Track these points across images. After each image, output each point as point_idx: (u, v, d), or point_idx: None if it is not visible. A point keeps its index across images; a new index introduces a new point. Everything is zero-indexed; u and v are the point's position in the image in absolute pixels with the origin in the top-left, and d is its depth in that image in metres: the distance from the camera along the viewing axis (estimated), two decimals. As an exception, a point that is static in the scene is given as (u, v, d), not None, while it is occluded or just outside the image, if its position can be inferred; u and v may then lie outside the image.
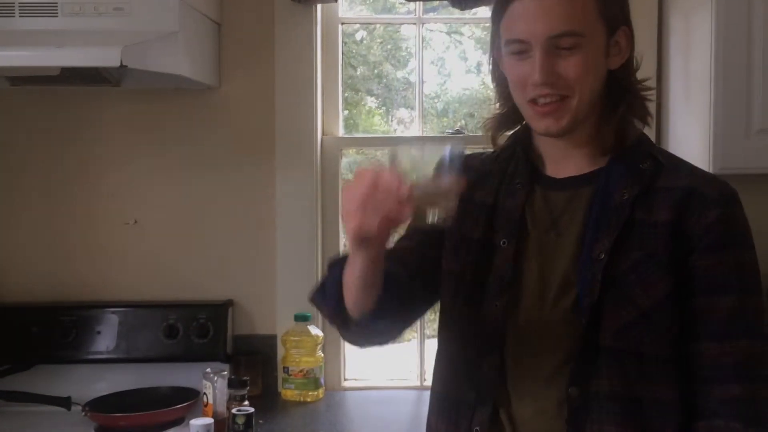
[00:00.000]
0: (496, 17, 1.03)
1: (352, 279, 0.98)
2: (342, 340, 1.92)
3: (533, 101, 1.00)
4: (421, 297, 1.11)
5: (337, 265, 1.03)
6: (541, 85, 0.97)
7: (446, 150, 0.89)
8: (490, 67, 1.11)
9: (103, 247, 1.87)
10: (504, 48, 1.02)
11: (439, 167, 0.90)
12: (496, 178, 1.10)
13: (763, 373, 0.99)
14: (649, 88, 1.07)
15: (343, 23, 1.97)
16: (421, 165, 0.90)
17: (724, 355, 0.98)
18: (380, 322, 1.03)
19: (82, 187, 1.87)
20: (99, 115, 1.86)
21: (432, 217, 0.92)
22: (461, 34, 2.10)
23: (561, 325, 1.00)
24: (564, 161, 1.07)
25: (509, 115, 1.10)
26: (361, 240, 0.91)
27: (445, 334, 1.12)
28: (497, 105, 1.12)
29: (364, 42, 2.15)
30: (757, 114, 1.53)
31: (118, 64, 1.40)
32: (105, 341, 1.78)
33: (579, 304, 0.99)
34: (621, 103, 1.04)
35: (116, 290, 1.86)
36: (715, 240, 0.99)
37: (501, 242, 1.05)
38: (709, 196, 1.00)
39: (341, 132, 1.96)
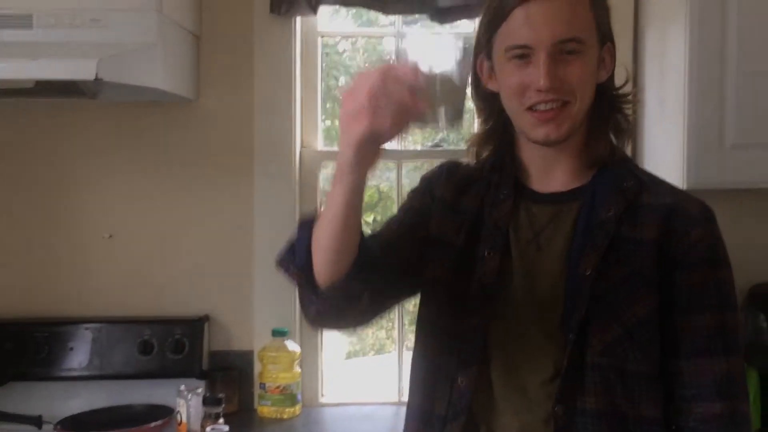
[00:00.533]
0: (493, 26, 1.01)
1: (327, 224, 0.89)
2: (319, 355, 1.93)
3: (532, 108, 0.99)
4: (398, 282, 1.05)
5: (307, 224, 0.95)
6: (546, 90, 0.97)
7: (458, 46, 0.83)
8: (471, 83, 1.09)
9: (77, 261, 1.84)
10: (504, 55, 1.00)
11: (448, 63, 0.82)
12: (482, 187, 1.10)
13: (739, 388, 1.00)
14: (629, 102, 1.09)
15: (322, 36, 1.97)
16: (430, 61, 0.82)
17: (705, 372, 0.99)
18: (352, 284, 0.93)
19: (56, 201, 1.84)
20: (74, 127, 1.84)
21: (440, 116, 0.82)
22: (442, 46, 2.12)
23: (547, 341, 1.00)
24: (549, 175, 1.07)
25: (494, 130, 1.10)
26: (368, 144, 0.82)
27: (421, 343, 1.10)
28: (480, 121, 1.12)
29: (347, 52, 2.15)
30: (730, 129, 1.55)
31: (94, 77, 1.39)
32: (78, 358, 1.75)
33: (565, 320, 0.99)
34: (611, 117, 1.06)
35: (90, 305, 1.83)
36: (697, 258, 1.00)
37: (485, 253, 1.04)
38: (692, 215, 1.02)
39: (320, 145, 1.96)
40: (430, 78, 0.80)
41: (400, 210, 1.15)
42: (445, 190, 1.12)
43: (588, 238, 1.01)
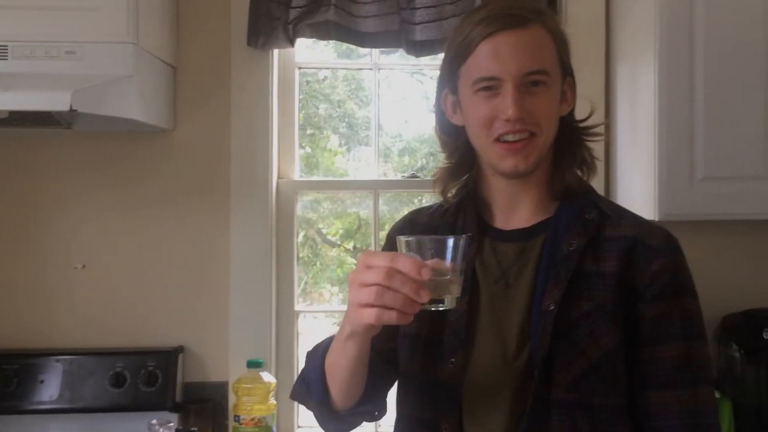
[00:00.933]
0: (459, 59, 1.03)
1: (341, 367, 0.99)
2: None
3: (500, 139, 1.01)
4: (395, 370, 1.11)
5: (316, 356, 1.04)
6: (514, 120, 0.98)
7: (449, 239, 0.89)
8: (435, 117, 1.12)
9: (49, 292, 1.82)
10: (471, 87, 1.02)
11: (443, 254, 0.88)
12: (447, 231, 1.10)
13: (708, 419, 1.00)
14: (592, 135, 1.10)
15: (300, 68, 1.98)
16: (425, 254, 0.89)
17: (671, 404, 0.99)
18: (368, 405, 1.04)
19: (29, 230, 1.82)
20: (49, 157, 1.83)
21: (442, 302, 0.89)
22: (423, 74, 2.14)
23: (515, 377, 1.00)
24: (512, 211, 1.08)
25: (459, 165, 1.11)
26: (373, 331, 0.91)
27: (403, 397, 1.10)
28: (444, 156, 1.13)
29: (327, 80, 2.17)
30: (700, 163, 1.57)
31: (68, 108, 1.38)
32: (49, 390, 1.72)
33: (531, 356, 1.00)
34: (574, 150, 1.07)
35: (62, 337, 1.80)
36: (660, 289, 1.01)
37: None
38: (654, 246, 1.02)
39: (297, 175, 1.97)
40: (433, 271, 0.86)
41: None
42: None
43: (551, 273, 1.01)
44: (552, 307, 0.99)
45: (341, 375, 1.00)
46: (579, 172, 1.09)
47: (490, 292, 1.04)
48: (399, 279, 0.84)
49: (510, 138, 1.00)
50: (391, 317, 0.85)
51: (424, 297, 0.85)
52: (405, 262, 0.84)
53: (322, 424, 1.09)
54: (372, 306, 0.85)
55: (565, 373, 0.98)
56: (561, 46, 1.04)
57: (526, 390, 0.99)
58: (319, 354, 1.03)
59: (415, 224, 1.15)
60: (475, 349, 1.03)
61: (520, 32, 0.99)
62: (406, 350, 1.09)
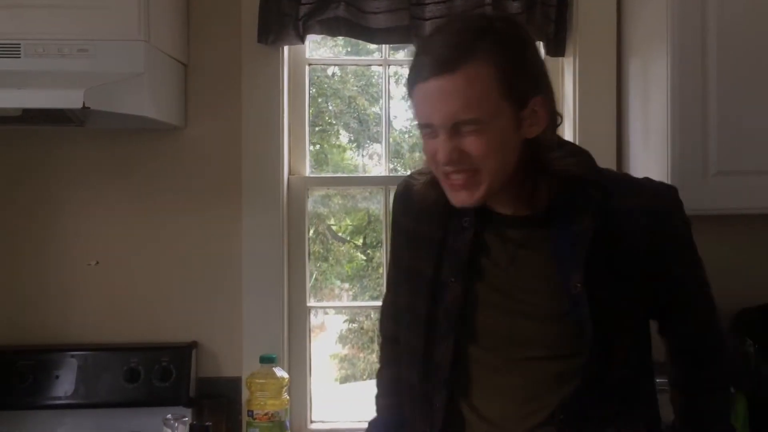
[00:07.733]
0: (408, 95, 1.06)
1: None
2: (308, 381, 1.92)
3: (446, 175, 1.03)
4: None
5: None
6: (445, 164, 1.01)
7: None
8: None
9: (63, 288, 1.84)
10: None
11: None
12: (444, 215, 1.11)
13: (717, 326, 1.18)
14: (561, 161, 1.09)
15: (310, 64, 1.98)
16: None
17: (686, 312, 1.15)
18: None
19: (42, 228, 1.84)
20: (62, 154, 1.85)
21: None
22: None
23: (530, 364, 1.04)
24: (511, 202, 1.09)
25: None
26: None
27: (406, 368, 1.14)
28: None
29: (336, 77, 2.17)
30: (713, 157, 1.56)
31: (81, 106, 1.39)
32: (64, 386, 1.74)
33: (576, 340, 1.03)
34: (547, 167, 1.05)
35: (76, 333, 1.82)
36: (672, 251, 1.09)
37: (450, 280, 1.08)
38: (660, 211, 1.09)
39: (308, 171, 1.97)
40: None
41: (394, 272, 1.24)
42: (407, 221, 1.18)
43: (568, 255, 1.03)
44: (578, 287, 1.01)
45: None
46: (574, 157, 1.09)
47: (496, 277, 1.06)
48: None
49: (454, 177, 1.02)
50: None
51: None
52: None
53: None
54: None
55: (618, 350, 1.03)
56: (508, 76, 0.99)
57: (542, 373, 1.03)
58: None
59: (407, 199, 1.18)
60: (481, 332, 1.06)
61: (447, 79, 0.98)
62: (403, 324, 1.13)
